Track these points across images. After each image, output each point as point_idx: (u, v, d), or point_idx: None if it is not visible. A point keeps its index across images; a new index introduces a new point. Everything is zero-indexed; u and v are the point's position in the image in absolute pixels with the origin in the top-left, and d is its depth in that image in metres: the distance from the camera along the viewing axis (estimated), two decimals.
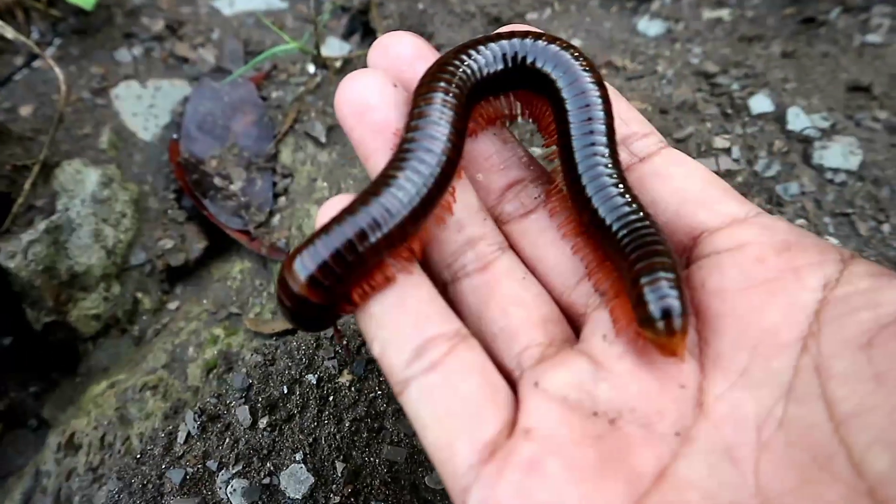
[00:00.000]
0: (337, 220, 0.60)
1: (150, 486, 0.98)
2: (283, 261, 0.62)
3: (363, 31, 1.75)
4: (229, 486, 0.94)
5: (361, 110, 0.68)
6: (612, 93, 0.75)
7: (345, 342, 1.06)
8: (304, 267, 0.59)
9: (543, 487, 0.54)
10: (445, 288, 0.70)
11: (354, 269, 0.60)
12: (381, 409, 1.00)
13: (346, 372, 1.03)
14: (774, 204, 1.21)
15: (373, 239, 0.59)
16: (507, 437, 0.57)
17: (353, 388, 1.02)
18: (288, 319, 0.65)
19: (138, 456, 1.02)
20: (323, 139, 1.48)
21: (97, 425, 1.15)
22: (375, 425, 0.99)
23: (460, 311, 0.68)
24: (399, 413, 1.02)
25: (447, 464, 0.57)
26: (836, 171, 1.23)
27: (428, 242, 0.69)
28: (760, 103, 1.35)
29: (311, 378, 1.03)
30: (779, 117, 1.33)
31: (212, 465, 0.97)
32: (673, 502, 0.54)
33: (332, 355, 1.05)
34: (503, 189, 0.75)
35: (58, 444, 1.15)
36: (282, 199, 1.44)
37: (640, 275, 0.60)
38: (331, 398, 1.01)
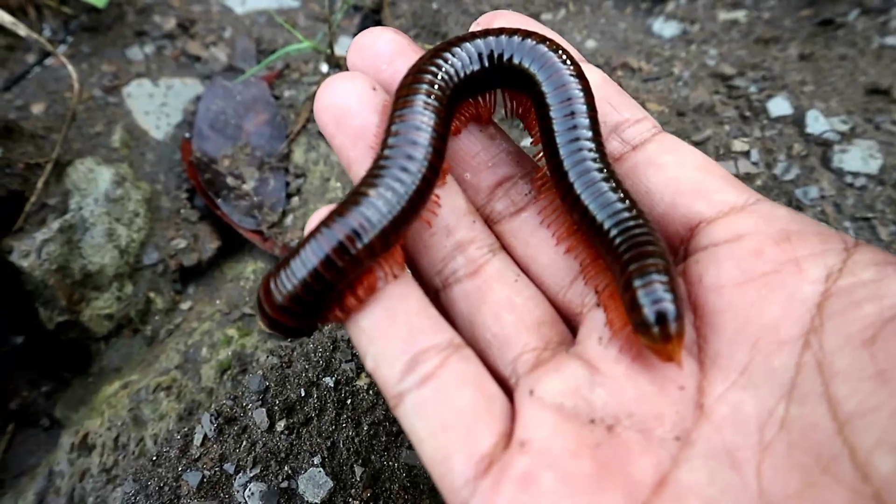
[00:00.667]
0: (307, 241, 0.59)
1: (166, 488, 0.97)
2: (261, 280, 0.62)
3: None
4: (247, 490, 0.93)
5: (340, 116, 0.66)
6: (602, 78, 0.73)
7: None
8: (277, 294, 0.59)
9: (539, 503, 0.53)
10: (437, 294, 0.68)
11: (326, 294, 0.59)
12: None
13: (363, 375, 1.03)
14: (794, 208, 1.20)
15: (341, 264, 0.58)
16: (504, 448, 0.56)
17: (371, 391, 1.01)
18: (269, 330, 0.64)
19: (154, 458, 1.01)
20: None
21: (111, 426, 1.14)
22: (394, 429, 0.98)
23: (453, 317, 0.66)
24: None
25: (444, 478, 0.56)
26: (855, 174, 1.22)
27: (414, 251, 0.67)
28: (779, 106, 1.35)
29: (329, 381, 1.02)
30: (797, 120, 1.32)
31: (229, 468, 0.96)
32: None
33: (350, 357, 1.04)
34: (492, 187, 0.73)
35: (71, 444, 1.15)
36: (295, 199, 1.43)
37: (634, 277, 0.58)
38: (349, 401, 1.00)
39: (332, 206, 0.61)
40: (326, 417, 0.99)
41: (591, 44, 1.60)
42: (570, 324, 0.68)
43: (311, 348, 1.07)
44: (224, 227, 1.41)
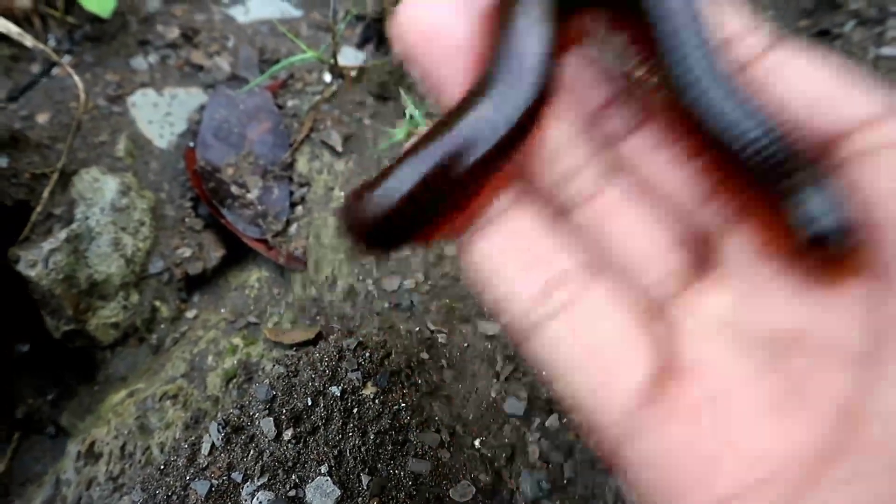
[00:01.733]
0: (404, 160, 0.51)
1: (174, 497, 0.98)
2: (350, 192, 0.53)
3: (377, 40, 1.76)
4: (255, 499, 0.94)
5: (431, 33, 0.57)
6: None
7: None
8: (366, 213, 0.50)
9: (717, 430, 0.47)
10: (556, 221, 0.60)
11: (426, 214, 0.51)
12: (405, 421, 1.01)
13: (369, 384, 1.04)
14: None
15: (442, 184, 0.50)
16: (664, 377, 0.50)
17: (376, 401, 1.02)
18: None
19: (162, 466, 1.02)
20: (339, 148, 1.49)
21: (117, 434, 1.15)
22: (400, 438, 1.00)
23: (578, 245, 0.59)
24: (422, 425, 1.03)
25: (598, 412, 0.49)
26: None
27: (527, 176, 0.60)
28: None
29: (335, 390, 1.03)
30: None
31: (237, 476, 0.97)
32: (875, 435, 0.45)
33: (356, 367, 1.05)
34: (602, 107, 0.63)
35: (77, 452, 1.16)
36: (298, 208, 1.44)
37: (794, 192, 0.49)
38: (355, 410, 1.01)
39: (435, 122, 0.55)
40: (333, 426, 1.00)
41: None
42: (707, 245, 0.60)
43: (316, 357, 1.08)
44: (229, 235, 1.42)
